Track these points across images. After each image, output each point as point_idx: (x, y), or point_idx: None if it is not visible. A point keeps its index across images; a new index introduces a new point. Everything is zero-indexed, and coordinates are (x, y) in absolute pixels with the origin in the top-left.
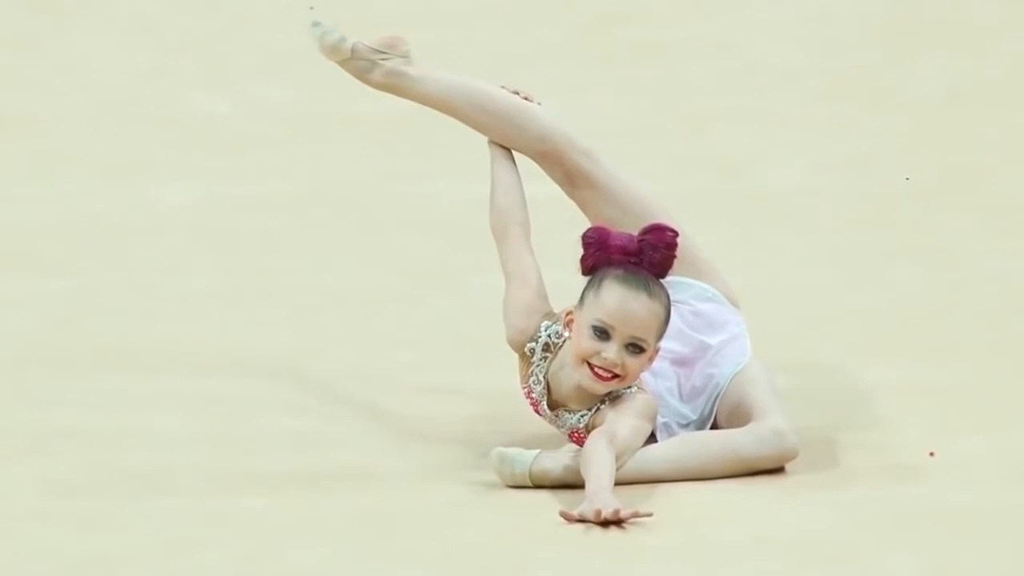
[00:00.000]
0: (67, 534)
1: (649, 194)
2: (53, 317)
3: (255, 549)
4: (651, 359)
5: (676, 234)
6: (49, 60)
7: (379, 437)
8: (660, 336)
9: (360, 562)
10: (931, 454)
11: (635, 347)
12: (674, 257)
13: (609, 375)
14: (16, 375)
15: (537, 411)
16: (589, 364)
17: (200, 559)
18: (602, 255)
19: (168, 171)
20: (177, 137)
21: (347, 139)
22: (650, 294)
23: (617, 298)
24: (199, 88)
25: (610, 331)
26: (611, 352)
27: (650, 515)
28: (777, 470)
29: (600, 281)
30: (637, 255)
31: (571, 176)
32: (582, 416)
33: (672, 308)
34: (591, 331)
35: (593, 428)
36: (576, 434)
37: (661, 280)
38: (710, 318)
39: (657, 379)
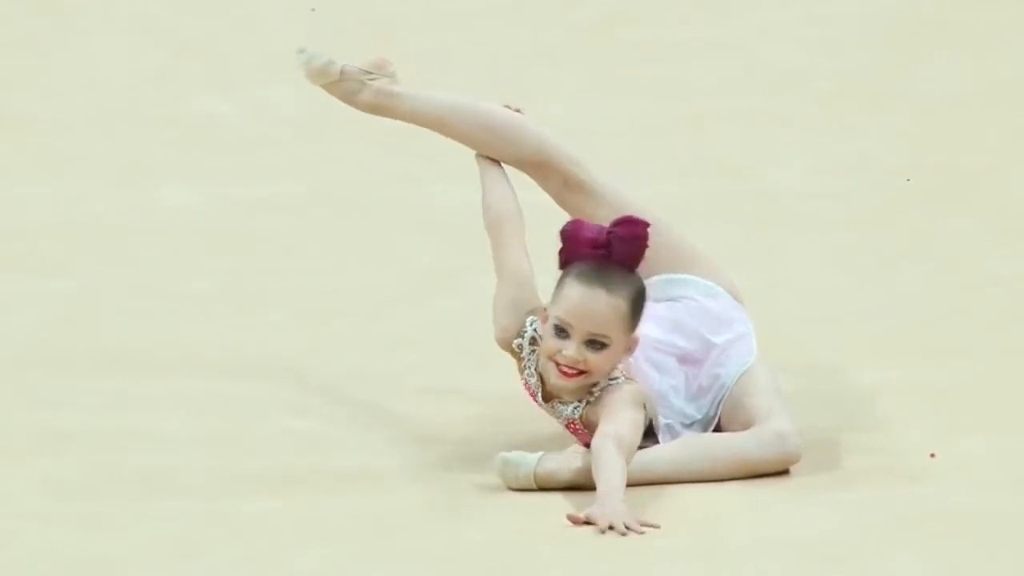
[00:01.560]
0: (68, 535)
1: (641, 199)
2: (55, 318)
3: (257, 551)
4: (627, 350)
5: (646, 225)
6: (50, 61)
7: (381, 438)
8: (627, 329)
9: (362, 563)
10: (932, 455)
11: (595, 343)
12: (644, 248)
13: (574, 372)
14: (18, 376)
15: (536, 402)
16: (555, 362)
17: (201, 561)
18: (574, 248)
19: (170, 172)
20: (179, 138)
21: (349, 141)
22: (609, 289)
23: (574, 296)
24: (201, 89)
25: (568, 329)
26: (571, 350)
27: (657, 527)
28: (781, 472)
29: (563, 279)
30: (606, 247)
31: (564, 185)
32: (576, 407)
33: (679, 303)
34: (553, 329)
35: (587, 419)
36: (573, 425)
37: (636, 272)
38: (716, 315)
39: (663, 376)
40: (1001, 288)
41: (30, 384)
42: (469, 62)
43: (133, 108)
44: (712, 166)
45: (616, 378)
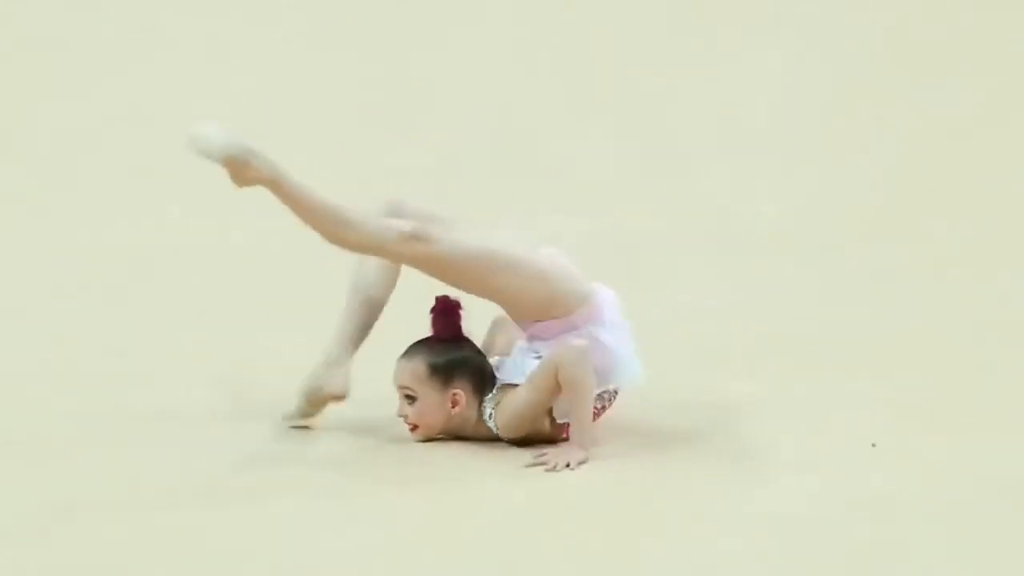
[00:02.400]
0: (78, 539)
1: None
2: (60, 334)
3: (267, 547)
4: (453, 404)
5: (453, 304)
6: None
7: (380, 438)
8: (434, 387)
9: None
10: (873, 445)
11: (408, 397)
12: (446, 320)
13: (410, 425)
14: (20, 386)
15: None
16: None
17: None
18: None
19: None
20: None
21: (350, 176)
22: (409, 357)
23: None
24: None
25: (398, 391)
26: (399, 404)
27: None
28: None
29: None
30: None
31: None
32: (490, 427)
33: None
34: None
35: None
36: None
37: (457, 344)
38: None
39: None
40: (967, 312)
41: (33, 394)
42: (469, 105)
43: (140, 142)
44: (698, 203)
45: (488, 416)
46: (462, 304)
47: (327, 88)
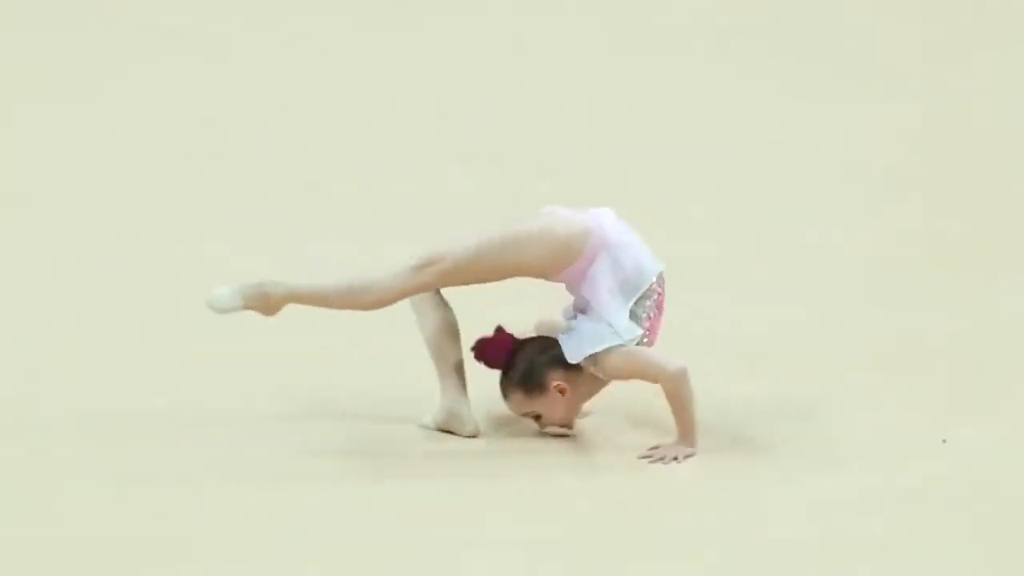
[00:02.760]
0: (79, 538)
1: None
2: (68, 342)
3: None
4: (561, 395)
5: (501, 336)
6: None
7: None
8: (539, 395)
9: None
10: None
11: (534, 418)
12: (492, 358)
13: (552, 433)
14: (29, 388)
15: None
16: None
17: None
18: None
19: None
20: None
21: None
22: (505, 396)
23: None
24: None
25: None
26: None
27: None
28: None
29: None
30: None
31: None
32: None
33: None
34: None
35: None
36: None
37: (514, 363)
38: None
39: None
40: (962, 311)
41: (41, 397)
42: (475, 108)
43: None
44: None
45: (599, 377)
46: (495, 326)
47: (326, 88)
